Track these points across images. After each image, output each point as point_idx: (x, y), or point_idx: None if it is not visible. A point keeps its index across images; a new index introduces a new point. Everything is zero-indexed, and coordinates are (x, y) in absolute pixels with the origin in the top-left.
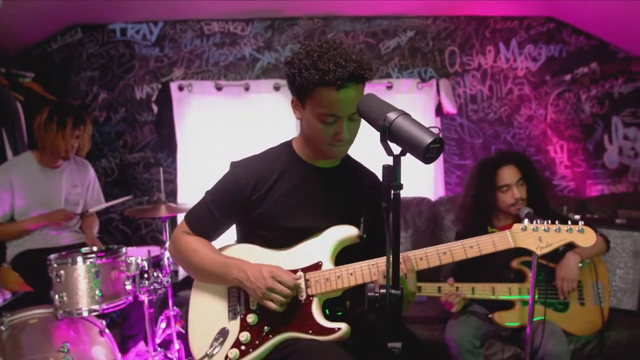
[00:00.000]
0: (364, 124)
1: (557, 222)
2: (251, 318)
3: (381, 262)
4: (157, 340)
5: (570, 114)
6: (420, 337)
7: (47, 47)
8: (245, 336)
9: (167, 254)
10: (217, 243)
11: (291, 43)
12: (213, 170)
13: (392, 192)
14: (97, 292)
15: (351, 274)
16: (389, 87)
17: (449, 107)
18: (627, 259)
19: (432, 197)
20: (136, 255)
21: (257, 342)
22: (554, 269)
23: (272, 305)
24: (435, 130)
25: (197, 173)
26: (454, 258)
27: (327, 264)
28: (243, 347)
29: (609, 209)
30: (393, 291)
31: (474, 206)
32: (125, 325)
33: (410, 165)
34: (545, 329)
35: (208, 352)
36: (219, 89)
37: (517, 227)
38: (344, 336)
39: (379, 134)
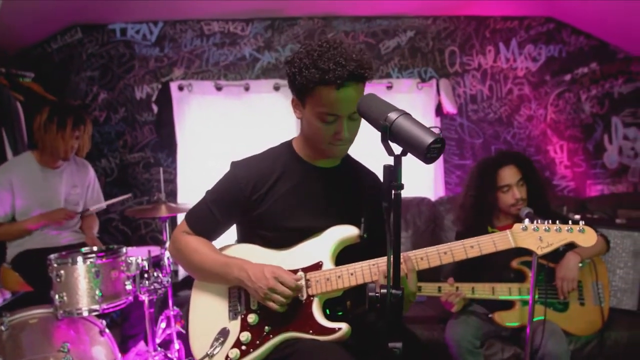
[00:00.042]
0: (364, 123)
1: (557, 222)
2: (252, 318)
3: (382, 262)
4: (157, 340)
5: (570, 114)
6: (420, 337)
7: (47, 47)
8: (245, 336)
9: (167, 254)
10: (217, 243)
11: (291, 43)
12: (213, 170)
13: (393, 192)
14: (97, 292)
15: (352, 274)
16: (389, 87)
17: (449, 107)
18: (627, 259)
19: (432, 197)
20: (136, 255)
21: (257, 342)
22: (554, 269)
23: (273, 305)
24: (436, 130)
25: (197, 173)
26: (454, 258)
27: (328, 264)
28: (244, 347)
29: (609, 209)
30: (394, 291)
31: (474, 206)
32: (125, 325)
33: (410, 165)
34: (545, 329)
35: (209, 352)
36: (219, 89)
37: (517, 227)
38: (344, 336)
39: (379, 133)
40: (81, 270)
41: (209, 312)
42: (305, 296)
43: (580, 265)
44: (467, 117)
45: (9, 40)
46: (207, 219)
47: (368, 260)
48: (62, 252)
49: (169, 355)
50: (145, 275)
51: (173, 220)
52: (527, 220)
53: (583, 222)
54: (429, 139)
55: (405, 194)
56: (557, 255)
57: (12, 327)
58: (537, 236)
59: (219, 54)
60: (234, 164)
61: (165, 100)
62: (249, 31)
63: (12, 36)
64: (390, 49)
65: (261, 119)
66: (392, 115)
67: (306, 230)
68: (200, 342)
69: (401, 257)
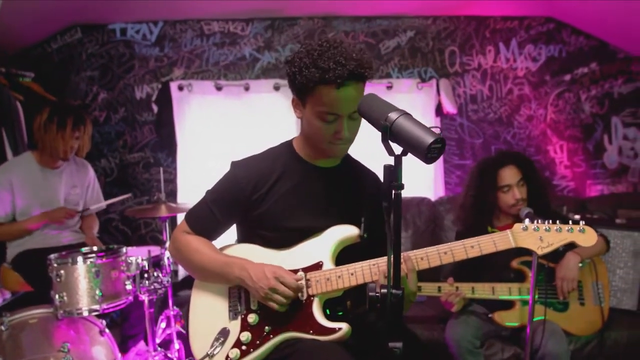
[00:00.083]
0: (364, 123)
1: (558, 222)
2: (252, 318)
3: (382, 262)
4: (157, 340)
5: (570, 114)
6: (420, 337)
7: (47, 47)
8: (246, 336)
9: (167, 253)
10: (217, 243)
11: (291, 43)
12: (213, 170)
13: (394, 192)
14: (97, 291)
15: (352, 274)
16: (389, 87)
17: (449, 107)
18: (627, 259)
19: (432, 197)
20: (136, 255)
21: (257, 342)
22: (554, 269)
23: (274, 305)
24: (437, 130)
25: (197, 173)
26: (454, 258)
27: (328, 264)
28: (244, 347)
29: (608, 209)
30: (394, 291)
31: (474, 206)
32: (125, 325)
33: (410, 165)
34: (546, 329)
35: (209, 352)
36: (219, 88)
37: (518, 227)
38: (344, 336)
39: (379, 133)
40: (81, 270)
41: (209, 312)
42: (305, 296)
43: (580, 265)
44: (467, 117)
45: (9, 40)
46: (207, 218)
47: (368, 260)
48: (62, 252)
49: (169, 355)
50: (145, 275)
51: (173, 220)
52: (527, 220)
53: (583, 222)
54: (429, 139)
55: (405, 194)
56: (557, 255)
57: (12, 327)
58: (537, 236)
59: (219, 54)
60: (234, 164)
61: (165, 100)
62: (249, 31)
63: (12, 36)
64: (390, 49)
65: (261, 119)
66: (393, 115)
67: (306, 230)
68: (200, 342)
69: (401, 257)
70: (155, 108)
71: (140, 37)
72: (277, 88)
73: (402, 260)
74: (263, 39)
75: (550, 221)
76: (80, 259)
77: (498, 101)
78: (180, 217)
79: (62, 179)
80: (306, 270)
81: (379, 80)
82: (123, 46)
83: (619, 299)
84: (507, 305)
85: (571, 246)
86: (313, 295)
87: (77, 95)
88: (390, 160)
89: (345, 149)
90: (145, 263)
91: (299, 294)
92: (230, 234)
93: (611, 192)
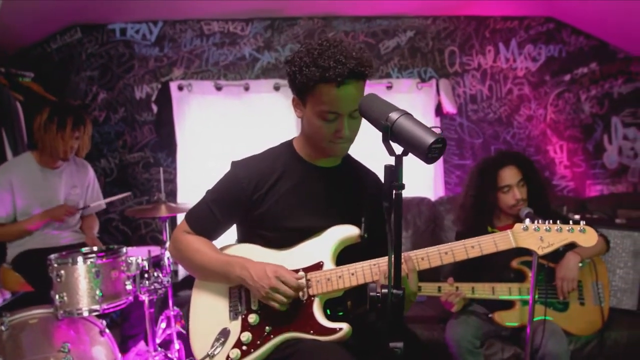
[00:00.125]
0: (364, 123)
1: (558, 222)
2: (252, 318)
3: (382, 262)
4: (158, 340)
5: (569, 114)
6: (420, 337)
7: (47, 47)
8: (246, 336)
9: (167, 253)
10: (218, 243)
11: (291, 43)
12: (213, 170)
13: (394, 192)
14: (97, 292)
15: (352, 274)
16: (389, 87)
17: (449, 107)
18: (627, 259)
19: (432, 197)
20: (136, 255)
21: (258, 342)
22: (554, 269)
23: (274, 305)
24: (438, 130)
25: (197, 173)
26: (455, 258)
27: (328, 264)
28: (244, 347)
29: (608, 209)
30: (395, 291)
31: (474, 206)
32: (125, 325)
33: (410, 165)
34: (546, 329)
35: (209, 352)
36: (218, 88)
37: (518, 227)
38: (345, 336)
39: (380, 133)
40: (81, 270)
41: (209, 312)
42: (306, 296)
43: (580, 265)
44: (466, 117)
45: (9, 40)
46: (207, 218)
47: (369, 260)
48: (62, 252)
49: (169, 355)
50: (146, 275)
51: (173, 220)
52: (527, 221)
53: (584, 222)
54: (430, 139)
55: (405, 194)
56: (557, 255)
57: (12, 327)
58: (538, 236)
59: (218, 54)
60: (235, 164)
61: (165, 100)
62: (248, 31)
63: (12, 36)
64: (390, 49)
65: (261, 119)
66: (394, 115)
67: (306, 230)
68: (201, 343)
69: (402, 257)
70: (155, 108)
71: (140, 37)
72: (277, 88)
73: (402, 260)
74: (263, 39)
75: (551, 221)
76: (80, 259)
77: (498, 101)
78: (180, 217)
79: (62, 179)
80: (307, 270)
81: (378, 80)
82: (123, 46)
83: (619, 299)
84: (507, 305)
85: (571, 246)
86: (314, 296)
87: (77, 95)
88: (391, 160)
89: (345, 148)
90: (146, 263)
91: (300, 294)
92: (231, 234)
93: (611, 192)
